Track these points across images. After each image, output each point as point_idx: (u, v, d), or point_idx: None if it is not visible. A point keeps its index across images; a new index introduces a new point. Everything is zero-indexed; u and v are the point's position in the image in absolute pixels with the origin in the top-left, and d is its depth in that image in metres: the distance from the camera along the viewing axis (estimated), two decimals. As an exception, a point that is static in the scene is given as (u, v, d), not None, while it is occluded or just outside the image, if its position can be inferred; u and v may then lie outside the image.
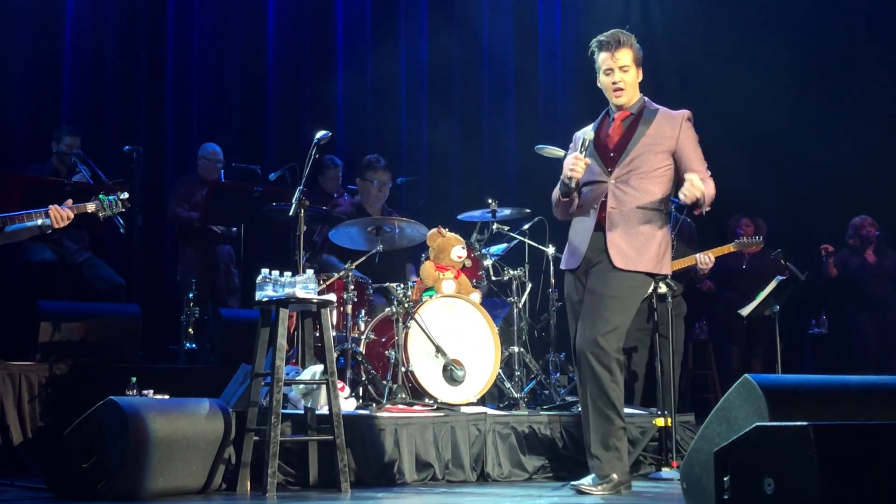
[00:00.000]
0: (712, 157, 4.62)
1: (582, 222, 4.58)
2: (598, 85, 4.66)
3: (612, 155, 4.54)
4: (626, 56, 4.54)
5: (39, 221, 4.70)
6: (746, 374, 3.21)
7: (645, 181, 4.50)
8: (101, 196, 4.87)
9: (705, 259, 6.60)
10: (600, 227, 4.50)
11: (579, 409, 5.50)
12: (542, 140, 6.27)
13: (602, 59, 4.57)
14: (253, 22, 8.88)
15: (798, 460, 2.68)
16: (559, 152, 5.91)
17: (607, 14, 9.69)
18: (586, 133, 4.52)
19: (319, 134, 5.36)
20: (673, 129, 4.53)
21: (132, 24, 8.40)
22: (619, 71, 4.54)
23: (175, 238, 7.86)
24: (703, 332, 8.80)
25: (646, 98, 4.65)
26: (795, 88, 9.24)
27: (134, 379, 4.80)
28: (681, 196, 4.33)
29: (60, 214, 4.70)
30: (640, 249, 4.46)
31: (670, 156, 4.53)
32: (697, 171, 4.44)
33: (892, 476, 2.69)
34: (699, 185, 4.29)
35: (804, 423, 2.70)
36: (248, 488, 4.54)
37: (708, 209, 4.47)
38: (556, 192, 4.63)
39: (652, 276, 4.54)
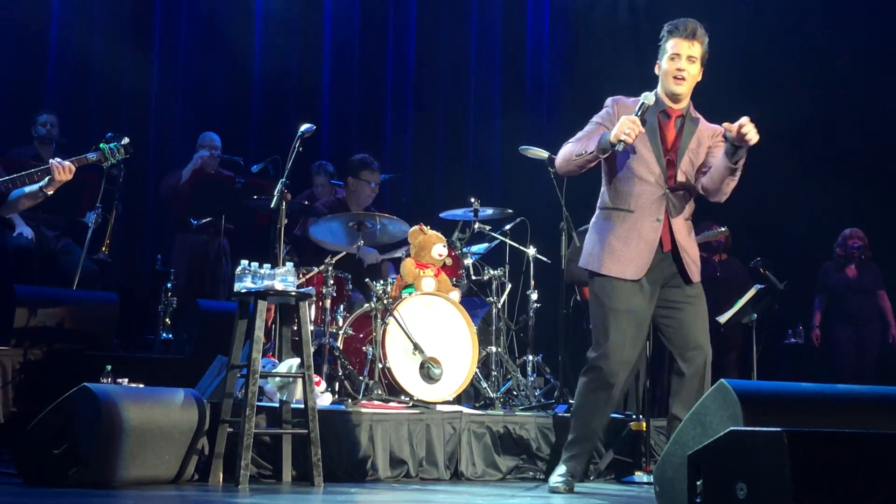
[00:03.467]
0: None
1: (639, 230, 4.41)
2: (656, 71, 4.48)
3: (667, 158, 4.42)
4: (697, 48, 4.40)
5: (42, 183, 4.58)
6: (722, 380, 3.22)
7: (688, 192, 4.48)
8: (101, 145, 4.74)
9: None
10: (667, 237, 4.42)
11: (553, 411, 5.55)
12: (527, 141, 6.28)
13: (673, 43, 4.39)
14: (240, 14, 8.84)
15: (771, 466, 2.69)
16: (543, 154, 5.93)
17: (596, 15, 9.71)
18: (647, 97, 4.32)
19: (303, 127, 5.35)
20: (710, 141, 4.46)
21: (119, 10, 8.36)
22: (687, 60, 4.38)
23: (170, 227, 7.79)
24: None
25: (692, 104, 4.54)
26: (782, 87, 9.27)
27: (109, 367, 4.77)
28: (741, 131, 4.10)
29: (62, 167, 4.54)
30: (697, 261, 4.52)
31: (699, 165, 4.48)
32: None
33: (864, 484, 2.70)
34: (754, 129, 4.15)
35: (778, 429, 2.70)
36: (221, 480, 4.52)
37: (724, 191, 4.39)
38: (579, 145, 4.40)
39: None
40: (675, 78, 4.40)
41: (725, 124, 4.22)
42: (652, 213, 4.40)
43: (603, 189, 4.59)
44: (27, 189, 4.61)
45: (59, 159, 4.60)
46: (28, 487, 4.09)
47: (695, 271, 4.47)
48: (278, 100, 8.95)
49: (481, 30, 9.96)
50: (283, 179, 5.33)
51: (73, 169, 4.59)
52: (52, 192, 4.64)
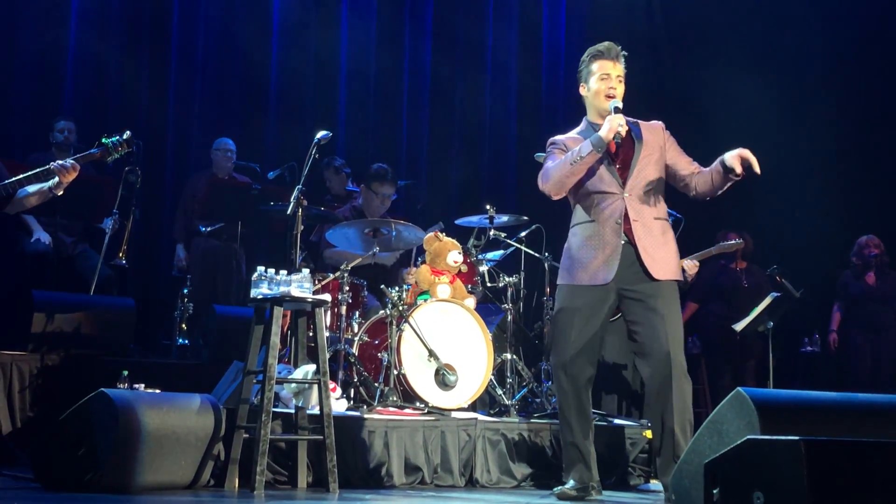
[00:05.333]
0: (708, 164, 4.64)
1: (601, 236, 4.53)
2: (583, 92, 4.70)
3: (618, 167, 4.56)
4: (621, 69, 4.65)
5: (50, 183, 4.60)
6: (739, 388, 3.21)
7: (652, 193, 4.58)
8: (103, 140, 4.74)
9: (689, 264, 6.58)
10: (628, 241, 4.50)
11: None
12: (543, 148, 6.26)
13: (599, 65, 4.62)
14: (257, 20, 8.88)
15: (788, 475, 2.68)
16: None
17: (612, 20, 9.71)
18: (617, 102, 4.54)
19: (320, 134, 5.36)
20: (658, 138, 4.66)
21: (137, 18, 8.41)
22: (616, 79, 4.61)
23: (187, 233, 7.83)
24: (695, 346, 8.80)
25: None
26: (799, 97, 9.24)
27: (125, 372, 4.78)
28: (734, 160, 4.34)
29: (64, 168, 4.53)
30: (668, 259, 4.54)
31: (662, 166, 4.64)
32: (691, 166, 4.63)
33: (881, 493, 2.69)
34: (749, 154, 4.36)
35: (795, 438, 2.69)
36: (237, 485, 4.53)
37: (711, 191, 4.56)
38: (567, 156, 4.52)
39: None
40: (607, 96, 4.60)
41: (729, 157, 4.39)
42: (612, 219, 4.52)
43: (573, 212, 4.72)
44: (35, 187, 4.61)
45: (59, 161, 4.60)
46: (45, 492, 4.10)
47: (658, 269, 4.48)
48: (295, 106, 8.97)
49: (497, 36, 9.97)
50: (300, 186, 5.34)
51: (77, 167, 4.59)
52: (61, 193, 4.64)
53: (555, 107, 10.06)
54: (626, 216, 4.50)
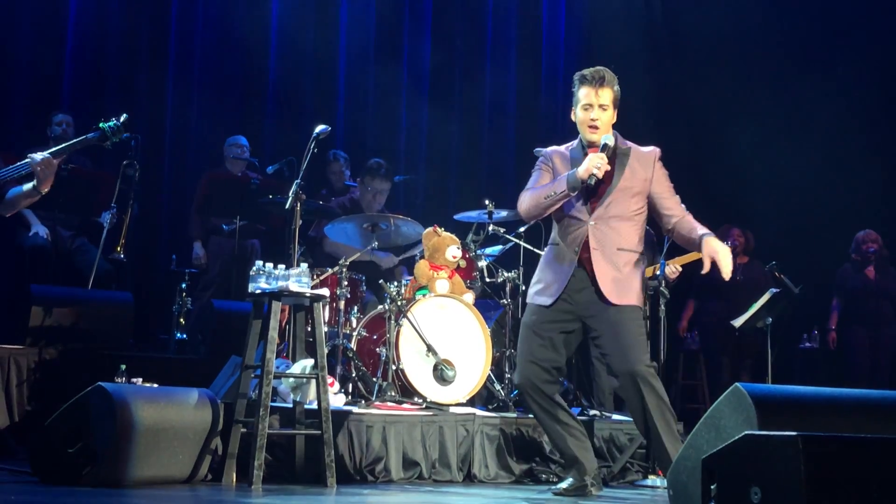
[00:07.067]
0: (709, 165, 4.63)
1: (561, 258, 4.57)
2: (572, 118, 4.64)
3: (590, 195, 4.53)
4: (607, 95, 4.53)
5: (34, 182, 4.51)
6: (737, 383, 3.21)
7: (623, 224, 4.54)
8: (100, 124, 4.68)
9: (669, 269, 6.52)
10: (582, 266, 4.51)
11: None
12: (542, 142, 6.25)
13: (584, 93, 4.54)
14: (256, 13, 8.87)
15: (786, 470, 2.67)
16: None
17: (612, 14, 9.70)
18: (607, 138, 4.50)
19: (319, 128, 5.36)
20: (646, 171, 4.56)
21: (135, 13, 8.39)
22: (599, 109, 4.53)
23: (204, 231, 7.81)
24: (694, 342, 8.80)
25: (618, 135, 4.64)
26: (799, 93, 9.23)
27: (123, 367, 4.78)
28: (706, 258, 4.39)
29: (42, 164, 4.34)
30: (627, 286, 4.50)
31: (644, 198, 4.59)
32: (675, 209, 4.58)
33: (878, 489, 2.69)
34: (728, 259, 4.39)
35: (793, 434, 2.69)
36: (234, 480, 4.54)
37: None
38: (544, 189, 4.55)
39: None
40: (590, 127, 4.55)
41: (706, 250, 4.43)
42: (574, 244, 4.53)
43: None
44: (23, 188, 4.56)
45: (33, 156, 4.38)
46: (42, 486, 4.11)
47: (614, 294, 4.46)
48: (294, 101, 8.96)
49: (496, 31, 9.96)
50: (299, 181, 5.34)
51: (52, 160, 4.40)
52: (47, 190, 4.52)
53: (554, 102, 10.05)
54: (587, 244, 4.50)
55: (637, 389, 4.39)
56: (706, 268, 4.42)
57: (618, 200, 4.51)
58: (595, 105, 4.52)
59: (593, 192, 4.51)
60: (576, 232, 4.54)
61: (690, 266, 6.54)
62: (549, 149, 4.75)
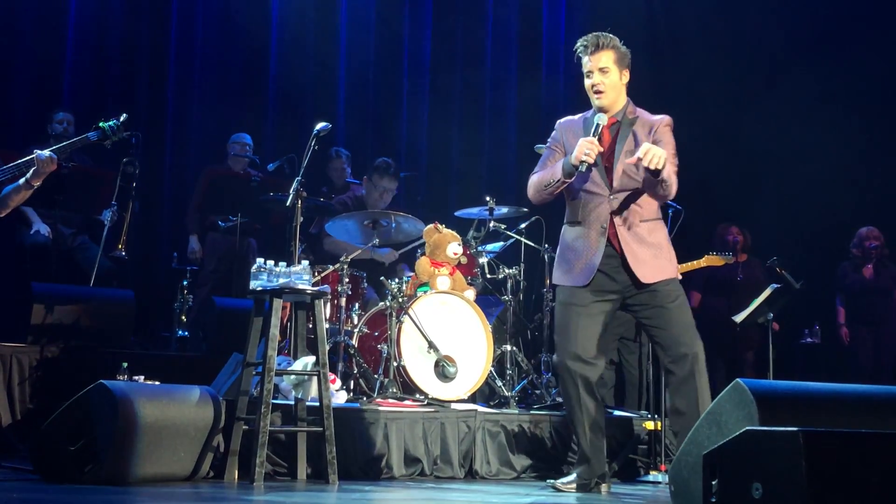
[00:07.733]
0: (710, 159, 4.61)
1: (587, 237, 4.51)
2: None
3: (606, 167, 4.50)
4: (606, 58, 4.50)
5: (27, 176, 4.51)
6: (738, 379, 3.21)
7: (636, 193, 4.48)
8: (100, 123, 4.69)
9: None
10: (610, 243, 4.47)
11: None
12: (543, 139, 6.25)
13: (584, 63, 4.55)
14: (257, 12, 8.86)
15: (787, 466, 2.67)
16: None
17: (613, 11, 9.68)
18: (600, 118, 4.47)
19: (319, 125, 5.36)
20: (648, 135, 4.49)
21: (136, 11, 8.39)
22: (599, 73, 4.50)
23: (201, 226, 7.81)
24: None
25: (630, 101, 4.60)
26: (799, 90, 9.22)
27: (125, 364, 4.79)
28: (639, 153, 4.20)
29: (46, 162, 4.44)
30: (658, 262, 4.47)
31: None
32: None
33: (880, 484, 2.69)
34: (660, 151, 4.20)
35: (794, 429, 2.69)
36: (236, 477, 4.54)
37: (664, 194, 4.40)
38: (545, 174, 4.55)
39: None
40: (595, 93, 4.53)
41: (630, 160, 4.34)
42: (598, 222, 4.49)
43: (566, 207, 4.69)
44: (13, 186, 4.56)
45: (40, 151, 4.50)
46: (44, 484, 4.10)
47: (647, 273, 4.44)
48: (294, 98, 8.96)
49: (497, 29, 9.95)
50: (299, 178, 5.34)
51: (55, 158, 4.49)
52: (38, 184, 4.54)
53: (554, 99, 10.03)
54: (611, 221, 4.46)
55: (691, 371, 4.37)
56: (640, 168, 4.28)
57: (628, 169, 4.45)
58: (595, 70, 4.50)
59: (606, 163, 4.48)
60: (597, 209, 4.49)
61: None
62: (563, 120, 4.72)
